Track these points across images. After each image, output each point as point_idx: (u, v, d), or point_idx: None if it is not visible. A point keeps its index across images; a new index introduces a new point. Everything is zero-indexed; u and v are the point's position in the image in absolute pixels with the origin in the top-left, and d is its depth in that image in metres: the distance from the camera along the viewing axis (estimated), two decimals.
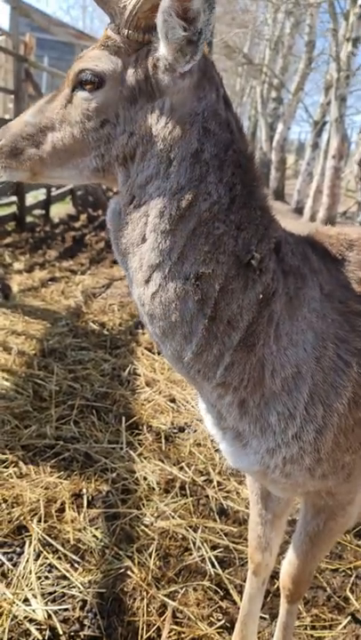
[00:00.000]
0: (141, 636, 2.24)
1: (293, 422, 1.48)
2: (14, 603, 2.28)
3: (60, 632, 2.20)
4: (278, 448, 1.50)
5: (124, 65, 1.37)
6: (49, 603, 2.32)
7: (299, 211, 17.44)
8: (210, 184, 1.35)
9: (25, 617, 2.23)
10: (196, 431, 3.73)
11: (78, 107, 1.41)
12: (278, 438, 1.49)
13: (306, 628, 2.41)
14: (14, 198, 9.79)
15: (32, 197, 10.93)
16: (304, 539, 1.83)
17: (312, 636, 2.38)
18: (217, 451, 3.49)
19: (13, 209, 9.82)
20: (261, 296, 1.41)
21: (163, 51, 1.30)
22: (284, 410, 1.47)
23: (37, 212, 11.11)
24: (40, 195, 11.43)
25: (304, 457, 1.52)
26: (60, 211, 12.11)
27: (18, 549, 2.58)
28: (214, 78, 1.39)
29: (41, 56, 18.73)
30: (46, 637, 2.18)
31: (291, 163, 31.03)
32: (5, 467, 3.11)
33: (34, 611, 2.26)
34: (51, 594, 2.37)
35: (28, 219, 10.21)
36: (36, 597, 2.32)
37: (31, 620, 2.23)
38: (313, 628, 2.42)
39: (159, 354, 4.79)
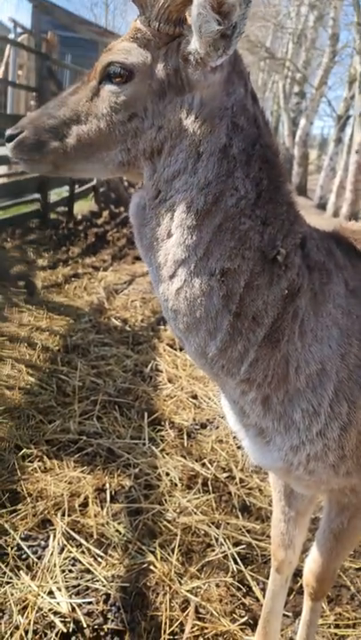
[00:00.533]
0: (164, 631, 2.25)
1: (318, 419, 1.47)
2: (39, 595, 2.31)
3: (84, 625, 2.22)
4: (302, 445, 1.49)
5: (154, 58, 1.35)
6: (73, 596, 2.35)
7: (322, 206, 17.28)
8: (237, 179, 1.35)
9: (50, 609, 2.26)
10: (218, 428, 3.73)
11: (106, 100, 1.39)
12: (302, 435, 1.48)
13: (329, 627, 2.40)
14: (38, 195, 9.88)
15: (55, 194, 11.01)
16: (328, 536, 1.82)
17: (336, 634, 2.37)
18: (239, 447, 3.49)
19: (37, 206, 9.91)
20: (286, 292, 1.40)
21: (195, 44, 1.28)
22: (309, 407, 1.46)
23: (60, 209, 11.19)
24: (63, 192, 11.51)
25: (328, 454, 1.51)
26: (82, 208, 12.18)
27: (42, 543, 2.61)
28: (243, 72, 1.38)
29: (64, 54, 18.83)
30: (70, 630, 2.20)
31: (313, 158, 30.75)
32: (30, 461, 3.15)
33: (58, 603, 2.29)
34: (75, 587, 2.40)
35: (52, 216, 10.29)
36: (60, 590, 2.35)
37: (56, 613, 2.26)
38: (337, 626, 2.41)
39: (181, 350, 4.80)
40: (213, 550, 2.70)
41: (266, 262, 1.38)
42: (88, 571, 2.49)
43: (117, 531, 2.73)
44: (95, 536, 2.68)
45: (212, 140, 1.33)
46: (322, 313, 1.46)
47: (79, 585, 2.41)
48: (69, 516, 2.78)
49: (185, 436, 3.57)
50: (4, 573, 2.42)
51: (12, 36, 11.12)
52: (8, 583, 2.37)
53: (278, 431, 1.51)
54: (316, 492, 1.82)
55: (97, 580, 2.44)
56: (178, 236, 1.36)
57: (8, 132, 1.43)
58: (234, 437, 3.56)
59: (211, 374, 1.51)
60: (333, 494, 1.73)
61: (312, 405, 1.46)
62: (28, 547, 2.57)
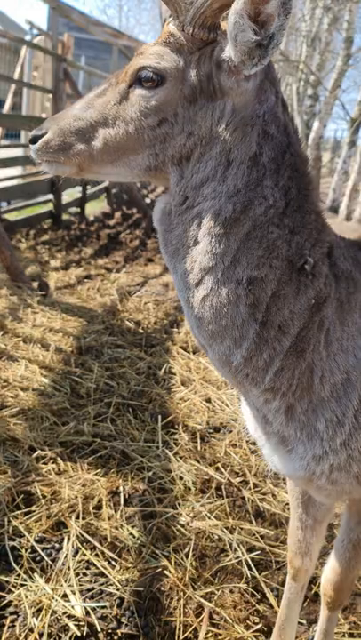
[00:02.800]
0: (178, 637, 2.24)
1: (342, 429, 1.45)
2: (53, 598, 2.31)
3: (98, 629, 2.22)
4: (326, 455, 1.48)
5: (187, 63, 1.34)
6: (87, 599, 2.35)
7: (334, 210, 17.21)
8: (266, 188, 1.34)
9: (64, 613, 2.26)
10: (231, 432, 3.72)
11: (136, 104, 1.37)
12: (326, 445, 1.47)
13: (344, 636, 2.38)
14: (51, 196, 9.93)
15: (68, 195, 11.05)
16: (347, 546, 1.81)
17: None
18: (253, 452, 3.47)
19: (50, 207, 9.96)
20: (314, 301, 1.39)
21: (229, 52, 1.27)
22: (333, 417, 1.45)
23: (73, 209, 11.23)
24: (76, 193, 11.55)
25: (352, 465, 1.49)
26: (95, 209, 12.22)
27: (57, 545, 2.61)
28: (275, 80, 1.38)
29: (78, 55, 18.91)
30: (84, 634, 2.20)
31: (326, 161, 30.61)
32: (44, 463, 3.16)
33: (72, 607, 2.29)
34: (89, 590, 2.40)
35: (64, 217, 10.33)
36: (74, 594, 2.35)
37: (70, 616, 2.26)
38: (351, 635, 2.39)
39: (194, 353, 4.79)
40: (227, 555, 2.69)
41: (293, 271, 1.37)
42: (102, 574, 2.48)
43: (131, 534, 2.73)
44: (109, 539, 2.67)
45: (243, 148, 1.33)
46: (348, 322, 1.45)
47: (93, 588, 2.41)
48: (84, 518, 2.78)
49: (198, 440, 3.56)
50: (19, 575, 2.42)
51: (28, 37, 11.18)
52: (22, 585, 2.38)
53: (301, 440, 1.50)
54: (337, 501, 1.81)
55: (111, 584, 2.43)
56: (205, 244, 1.35)
57: (32, 132, 1.43)
58: (247, 442, 3.54)
59: (234, 382, 1.50)
60: (354, 503, 1.72)
61: (336, 415, 1.45)
62: (43, 549, 2.58)
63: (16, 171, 10.65)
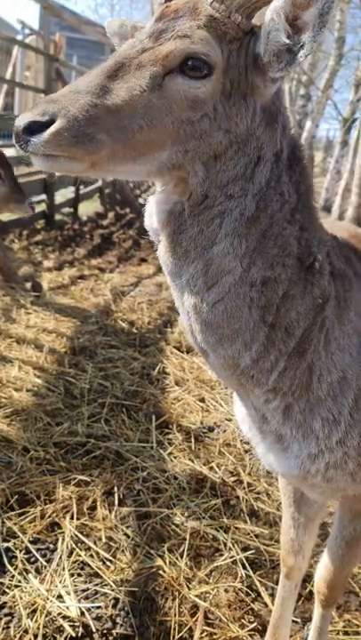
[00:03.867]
0: (173, 637, 2.25)
1: (338, 428, 1.46)
2: (48, 599, 2.31)
3: (93, 629, 2.22)
4: (321, 453, 1.49)
5: (226, 54, 1.23)
6: (82, 600, 2.35)
7: (327, 209, 17.26)
8: (283, 183, 1.32)
9: (59, 613, 2.26)
10: (225, 431, 3.73)
11: (177, 94, 1.21)
12: (321, 444, 1.48)
13: (338, 634, 2.39)
14: (44, 197, 9.90)
15: (60, 196, 11.03)
16: (340, 543, 1.81)
17: None
18: (247, 452, 3.48)
19: (43, 207, 9.93)
20: (320, 301, 1.38)
21: (260, 48, 1.22)
22: (329, 415, 1.46)
23: (66, 210, 11.21)
24: (68, 193, 11.53)
25: (348, 462, 1.50)
26: (87, 209, 12.20)
27: (51, 546, 2.61)
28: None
29: (70, 55, 18.87)
30: (79, 634, 2.20)
31: (319, 160, 30.68)
32: (38, 464, 3.15)
33: (67, 607, 2.28)
34: (83, 591, 2.39)
35: (57, 217, 10.31)
36: (69, 594, 2.34)
37: (65, 617, 2.25)
38: (345, 633, 2.40)
39: (188, 353, 4.79)
40: (222, 555, 2.69)
41: (302, 270, 1.36)
42: (97, 575, 2.48)
43: (126, 534, 2.73)
44: (104, 540, 2.67)
45: (271, 145, 1.30)
46: (344, 321, 1.45)
47: (88, 589, 2.41)
48: (78, 519, 2.77)
49: (192, 440, 3.56)
50: (13, 577, 2.42)
51: (19, 37, 11.16)
52: (17, 587, 2.37)
53: (296, 439, 1.50)
54: (331, 498, 1.82)
55: (106, 585, 2.43)
56: (226, 245, 1.29)
57: (27, 118, 1.12)
58: (242, 441, 3.55)
59: (235, 384, 1.47)
60: (347, 501, 1.73)
61: (332, 414, 1.46)
62: (37, 550, 2.57)
63: None
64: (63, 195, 11.38)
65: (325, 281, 1.40)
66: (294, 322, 1.36)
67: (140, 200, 14.30)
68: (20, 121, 1.12)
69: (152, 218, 1.37)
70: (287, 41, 1.17)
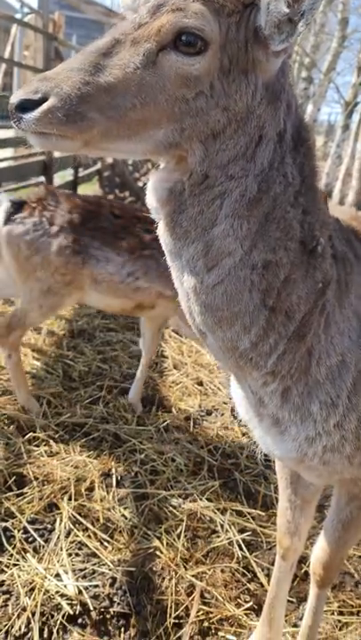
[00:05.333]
0: (170, 615, 2.27)
1: (336, 411, 1.46)
2: (46, 578, 2.33)
3: (91, 607, 2.25)
4: (319, 436, 1.49)
5: (224, 28, 1.18)
6: (79, 579, 2.37)
7: (327, 194, 17.16)
8: (286, 165, 1.29)
9: (56, 592, 2.28)
10: (223, 414, 3.74)
11: (170, 71, 1.17)
12: (319, 427, 1.47)
13: (333, 614, 2.42)
14: (42, 179, 9.82)
15: (59, 178, 10.94)
16: (336, 525, 1.83)
17: (339, 621, 2.39)
18: (244, 435, 3.50)
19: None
20: (321, 285, 1.37)
21: (261, 21, 1.17)
22: (327, 399, 1.45)
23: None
24: (67, 175, 11.44)
25: (345, 445, 1.51)
26: (86, 191, 12.11)
27: (49, 526, 2.63)
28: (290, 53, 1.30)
29: (69, 34, 18.61)
30: (77, 612, 2.23)
31: (320, 145, 30.47)
32: (37, 445, 3.16)
33: (65, 586, 2.31)
34: (81, 570, 2.42)
35: None
36: (67, 573, 2.37)
37: (62, 595, 2.28)
38: (340, 613, 2.43)
39: (186, 336, 4.79)
40: (219, 536, 2.72)
41: (304, 253, 1.34)
42: (94, 555, 2.51)
43: (123, 515, 2.75)
44: (101, 520, 2.69)
45: (274, 124, 1.26)
46: (344, 304, 1.45)
47: (85, 568, 2.43)
48: (76, 500, 2.79)
49: (191, 423, 3.57)
50: (12, 556, 2.44)
51: (18, 15, 10.98)
52: (15, 565, 2.40)
53: (294, 422, 1.50)
54: (328, 481, 1.83)
55: (103, 564, 2.46)
56: (226, 227, 1.26)
57: (20, 95, 1.12)
58: (239, 424, 3.56)
59: (234, 367, 1.46)
60: (344, 484, 1.73)
61: (330, 397, 1.45)
62: (35, 530, 2.59)
63: (7, 152, 10.52)
64: (62, 177, 11.28)
65: (328, 264, 1.38)
66: (295, 305, 1.35)
67: (140, 183, 14.20)
68: (14, 98, 1.12)
69: (152, 196, 1.34)
70: (287, 10, 1.13)
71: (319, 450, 1.51)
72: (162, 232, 1.35)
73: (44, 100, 1.10)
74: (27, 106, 1.11)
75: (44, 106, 1.10)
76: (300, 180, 1.32)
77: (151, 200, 1.35)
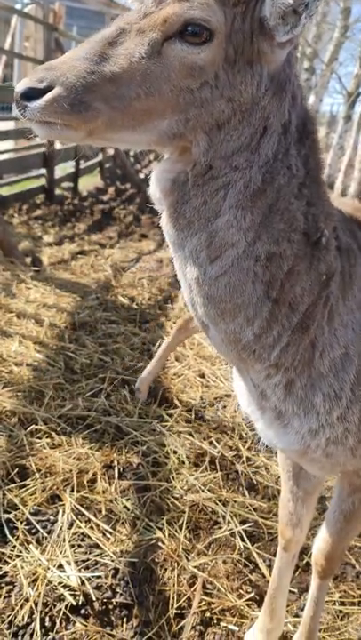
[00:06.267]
0: (172, 605, 2.29)
1: (339, 403, 1.46)
2: (49, 569, 2.35)
3: (93, 598, 2.26)
4: (322, 429, 1.49)
5: (230, 18, 1.17)
6: (82, 570, 2.38)
7: (329, 185, 17.09)
8: (291, 157, 1.29)
9: (59, 583, 2.30)
10: (225, 406, 3.74)
11: (175, 62, 1.17)
12: (322, 419, 1.47)
13: (334, 604, 2.43)
14: (43, 171, 9.80)
15: (60, 170, 10.92)
16: (338, 517, 1.83)
17: (340, 611, 2.40)
18: (246, 426, 3.50)
19: (42, 182, 9.84)
20: (325, 277, 1.36)
21: (266, 12, 1.17)
22: (330, 391, 1.45)
23: (66, 184, 11.11)
24: (68, 167, 11.41)
25: (348, 437, 1.51)
26: (87, 183, 12.09)
27: (51, 518, 2.64)
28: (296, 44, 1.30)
29: (70, 25, 18.49)
30: (80, 603, 2.24)
31: (322, 136, 30.32)
32: (39, 437, 3.17)
33: (68, 577, 2.32)
34: (84, 561, 2.43)
35: (57, 191, 10.22)
36: (69, 564, 2.38)
37: (65, 586, 2.29)
38: (342, 603, 2.44)
39: None
40: (220, 528, 2.73)
41: (308, 245, 1.33)
42: (97, 546, 2.52)
43: (126, 507, 2.76)
44: (104, 512, 2.70)
45: (279, 115, 1.25)
46: (348, 296, 1.44)
47: (88, 559, 2.44)
48: (78, 491, 2.80)
49: (193, 415, 3.58)
50: (15, 547, 2.45)
51: (18, 6, 10.92)
52: (18, 557, 2.41)
53: (297, 414, 1.49)
54: (330, 473, 1.83)
55: (106, 555, 2.47)
56: (229, 218, 1.26)
57: (26, 84, 1.12)
58: (239, 414, 3.57)
59: (236, 359, 1.45)
60: (346, 475, 1.74)
61: (334, 389, 1.45)
62: (38, 521, 2.60)
63: (8, 144, 10.49)
64: (63, 169, 11.25)
65: (332, 256, 1.38)
66: (299, 297, 1.34)
67: (141, 175, 14.17)
68: (19, 87, 1.12)
69: (155, 187, 1.33)
70: (292, 1, 1.12)
71: (322, 442, 1.51)
72: (165, 223, 1.34)
73: (49, 88, 1.10)
74: (32, 95, 1.10)
75: (50, 95, 1.09)
76: (305, 171, 1.31)
77: (155, 191, 1.34)
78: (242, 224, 1.26)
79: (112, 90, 1.14)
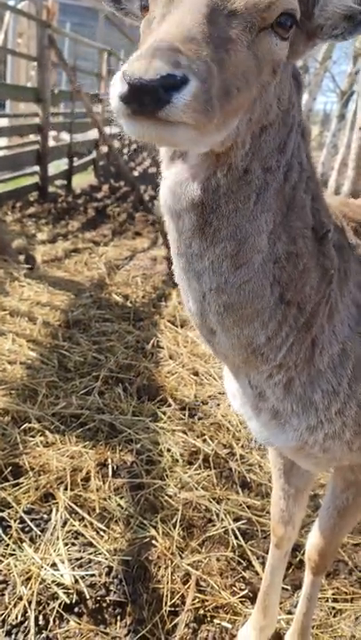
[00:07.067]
0: (165, 603, 2.29)
1: (337, 399, 1.45)
2: (42, 567, 2.34)
3: (87, 596, 2.26)
4: (320, 425, 1.48)
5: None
6: (76, 568, 2.38)
7: (323, 184, 17.13)
8: (301, 151, 1.27)
9: (53, 581, 2.30)
10: (219, 404, 3.75)
11: (267, 55, 1.06)
12: (321, 415, 1.47)
13: (327, 601, 2.44)
14: (37, 168, 9.76)
15: (53, 167, 10.88)
16: (332, 513, 1.84)
17: (333, 608, 2.41)
18: (240, 424, 3.51)
19: (36, 179, 9.80)
20: (332, 272, 1.35)
21: (318, 8, 1.11)
22: (328, 387, 1.45)
23: (59, 182, 11.07)
24: (62, 165, 11.37)
25: (345, 431, 1.50)
26: (81, 181, 12.05)
27: (45, 516, 2.64)
28: None
29: (63, 22, 18.42)
30: (73, 601, 2.24)
31: (315, 134, 30.37)
32: (32, 435, 3.17)
33: (61, 575, 2.32)
34: (77, 560, 2.43)
35: (51, 189, 10.19)
36: (63, 563, 2.38)
37: (59, 584, 2.29)
38: (334, 600, 2.45)
39: (182, 327, 4.79)
40: (214, 525, 2.73)
41: (315, 241, 1.32)
42: (91, 544, 2.52)
43: (119, 505, 2.76)
44: (97, 510, 2.70)
45: (299, 112, 1.24)
46: (344, 292, 1.44)
47: (82, 558, 2.44)
48: (72, 490, 2.80)
49: (186, 413, 3.58)
50: (8, 545, 2.45)
51: (11, 2, 10.86)
52: (12, 555, 2.41)
53: (295, 413, 1.48)
54: (325, 469, 1.84)
55: (99, 553, 2.47)
56: (260, 223, 1.19)
57: (161, 69, 0.84)
58: (229, 412, 3.58)
59: (240, 362, 1.39)
60: (340, 471, 1.75)
61: (332, 385, 1.45)
62: (31, 520, 2.60)
63: (1, 142, 10.45)
64: (57, 166, 11.21)
65: (333, 252, 1.37)
66: (307, 296, 1.32)
67: (135, 173, 14.13)
68: (153, 72, 0.84)
69: (176, 196, 1.18)
70: (354, 6, 1.06)
71: (320, 438, 1.51)
72: (185, 235, 1.22)
73: (184, 79, 0.86)
74: (168, 85, 0.85)
75: (192, 88, 0.87)
76: (310, 165, 1.31)
77: (175, 201, 1.19)
78: (270, 227, 1.21)
79: (221, 82, 0.96)
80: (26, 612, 2.17)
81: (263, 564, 2.51)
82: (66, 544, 2.50)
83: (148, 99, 0.84)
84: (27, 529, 2.56)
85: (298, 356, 1.40)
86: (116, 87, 0.87)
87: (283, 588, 2.35)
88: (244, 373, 1.49)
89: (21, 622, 2.14)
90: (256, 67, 1.04)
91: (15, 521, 2.58)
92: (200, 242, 1.20)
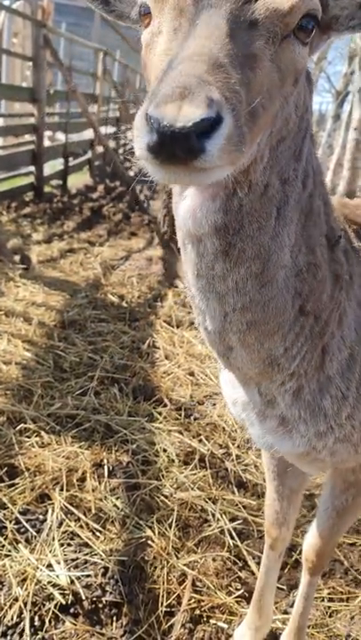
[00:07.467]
0: (161, 603, 2.29)
1: (346, 403, 1.44)
2: (38, 568, 2.34)
3: (83, 597, 2.26)
4: (330, 430, 1.46)
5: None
6: (71, 569, 2.38)
7: None
8: (313, 156, 1.23)
9: (49, 582, 2.29)
10: (215, 405, 3.75)
11: (290, 65, 0.97)
12: (331, 421, 1.45)
13: (323, 600, 2.45)
14: (32, 168, 9.74)
15: (49, 167, 10.85)
16: (331, 513, 1.83)
17: (329, 607, 2.42)
18: (235, 424, 3.51)
19: (31, 179, 9.78)
20: (347, 277, 1.32)
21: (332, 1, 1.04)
22: (338, 392, 1.43)
23: (55, 182, 11.05)
24: (57, 165, 11.35)
25: (354, 434, 1.49)
26: (77, 181, 12.02)
27: (41, 517, 2.63)
28: None
29: (58, 22, 18.39)
30: (69, 602, 2.24)
31: None
32: (28, 436, 3.16)
33: (57, 576, 2.31)
34: (73, 560, 2.42)
35: (46, 189, 10.16)
36: (59, 563, 2.38)
37: (54, 585, 2.28)
38: (330, 600, 2.46)
39: (178, 327, 4.79)
40: (210, 525, 2.73)
41: (328, 248, 1.29)
42: (86, 545, 2.51)
43: (115, 505, 2.76)
44: (93, 511, 2.70)
45: (309, 118, 1.19)
46: (351, 297, 1.42)
47: (78, 558, 2.44)
48: (67, 490, 2.79)
49: (182, 413, 3.58)
50: (3, 546, 2.44)
51: (7, 2, 10.83)
52: (7, 556, 2.40)
53: (303, 419, 1.45)
54: (325, 470, 1.83)
55: (95, 554, 2.46)
56: (283, 238, 1.14)
57: (196, 114, 0.74)
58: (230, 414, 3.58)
59: (255, 374, 1.35)
60: (340, 473, 1.74)
61: (341, 391, 1.43)
62: (27, 521, 2.59)
63: None
64: (52, 166, 11.18)
65: (342, 257, 1.35)
66: (323, 305, 1.30)
67: (131, 173, 14.11)
68: (180, 118, 0.74)
69: (197, 221, 1.09)
70: None
71: (330, 442, 1.49)
72: (207, 259, 1.14)
73: (218, 118, 0.76)
74: (203, 129, 0.75)
75: (225, 129, 0.77)
76: (320, 171, 1.28)
77: (195, 227, 1.10)
78: (292, 241, 1.16)
79: (246, 105, 0.86)
80: (21, 612, 2.16)
81: (259, 563, 2.51)
82: (61, 545, 2.49)
83: (179, 149, 0.75)
84: (22, 530, 2.55)
85: (309, 364, 1.37)
86: (143, 137, 0.77)
87: (278, 588, 2.36)
88: (254, 383, 1.45)
89: (17, 623, 2.14)
90: (280, 79, 0.97)
91: (11, 521, 2.57)
92: (223, 264, 1.13)
